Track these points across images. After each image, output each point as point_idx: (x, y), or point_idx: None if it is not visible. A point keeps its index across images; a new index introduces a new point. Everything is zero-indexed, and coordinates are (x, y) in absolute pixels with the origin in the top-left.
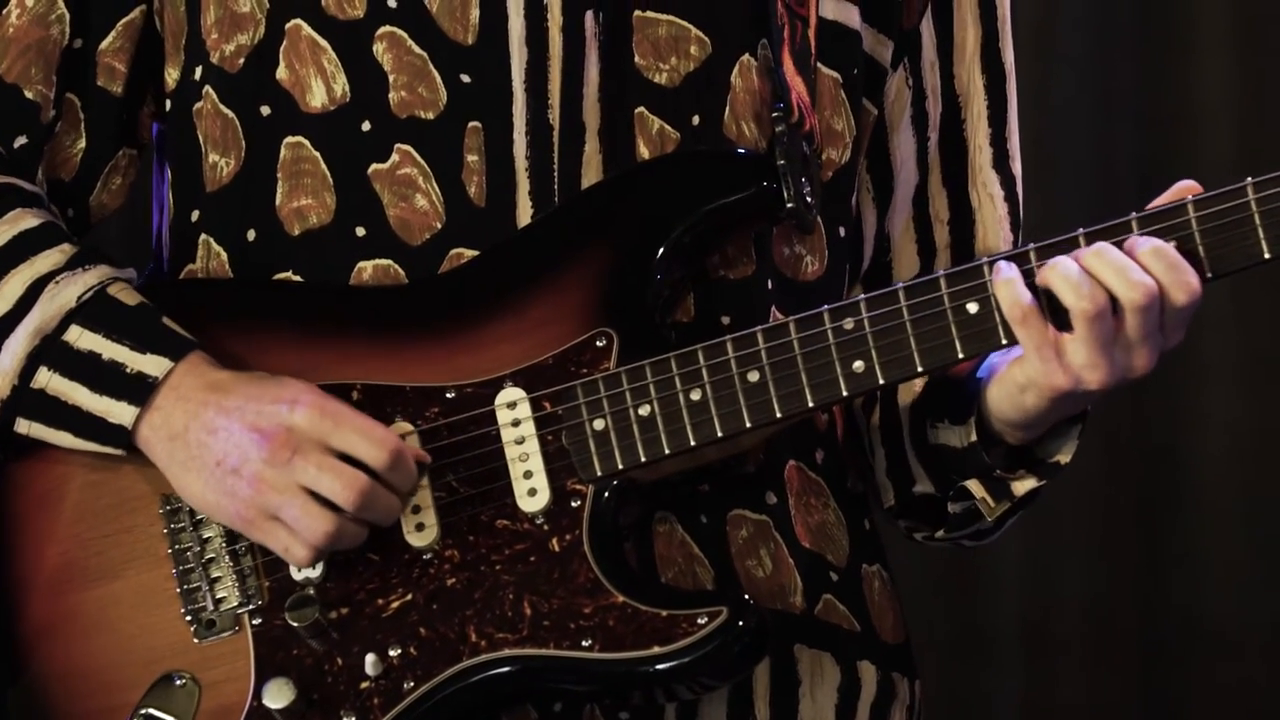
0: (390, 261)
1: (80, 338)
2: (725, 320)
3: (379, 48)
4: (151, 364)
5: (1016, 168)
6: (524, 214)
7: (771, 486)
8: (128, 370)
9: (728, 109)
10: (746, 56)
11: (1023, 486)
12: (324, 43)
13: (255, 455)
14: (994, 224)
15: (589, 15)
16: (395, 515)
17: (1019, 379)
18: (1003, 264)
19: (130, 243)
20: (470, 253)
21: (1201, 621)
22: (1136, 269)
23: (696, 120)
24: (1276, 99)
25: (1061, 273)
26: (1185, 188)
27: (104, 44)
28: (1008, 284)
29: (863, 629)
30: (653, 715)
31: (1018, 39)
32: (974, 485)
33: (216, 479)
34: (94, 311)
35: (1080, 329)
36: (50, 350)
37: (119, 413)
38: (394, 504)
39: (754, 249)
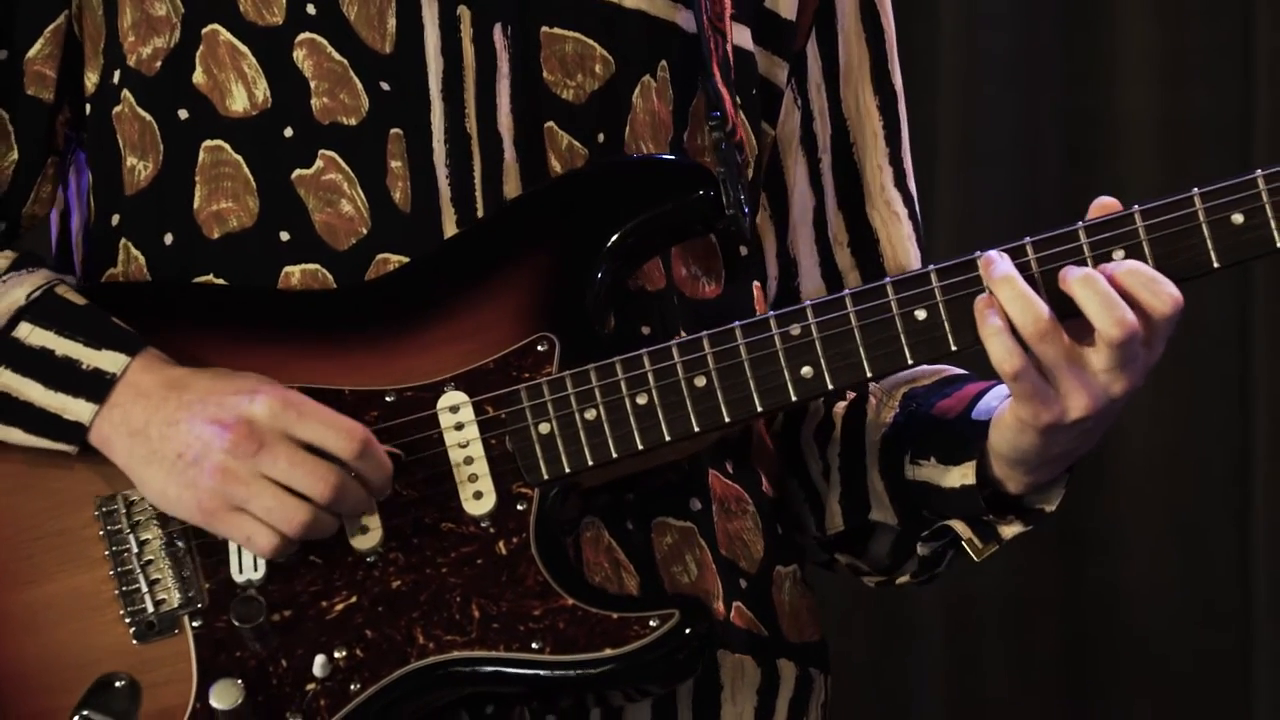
0: (317, 266)
1: (31, 334)
2: (645, 330)
3: (299, 54)
4: (108, 360)
5: (913, 185)
6: (448, 219)
7: (697, 493)
8: (83, 366)
9: (628, 128)
10: (647, 77)
11: (1010, 531)
12: (244, 48)
13: (217, 446)
14: (901, 241)
15: (497, 28)
16: (365, 507)
17: (1014, 420)
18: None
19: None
20: (396, 258)
21: (1121, 604)
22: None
23: (601, 138)
24: (1201, 92)
25: (1098, 289)
26: (1106, 204)
27: (32, 51)
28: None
29: (770, 634)
30: (579, 718)
31: (942, 34)
32: (959, 526)
33: (178, 471)
34: (43, 309)
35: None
36: (0, 347)
37: (76, 409)
38: (364, 495)
39: (662, 265)
